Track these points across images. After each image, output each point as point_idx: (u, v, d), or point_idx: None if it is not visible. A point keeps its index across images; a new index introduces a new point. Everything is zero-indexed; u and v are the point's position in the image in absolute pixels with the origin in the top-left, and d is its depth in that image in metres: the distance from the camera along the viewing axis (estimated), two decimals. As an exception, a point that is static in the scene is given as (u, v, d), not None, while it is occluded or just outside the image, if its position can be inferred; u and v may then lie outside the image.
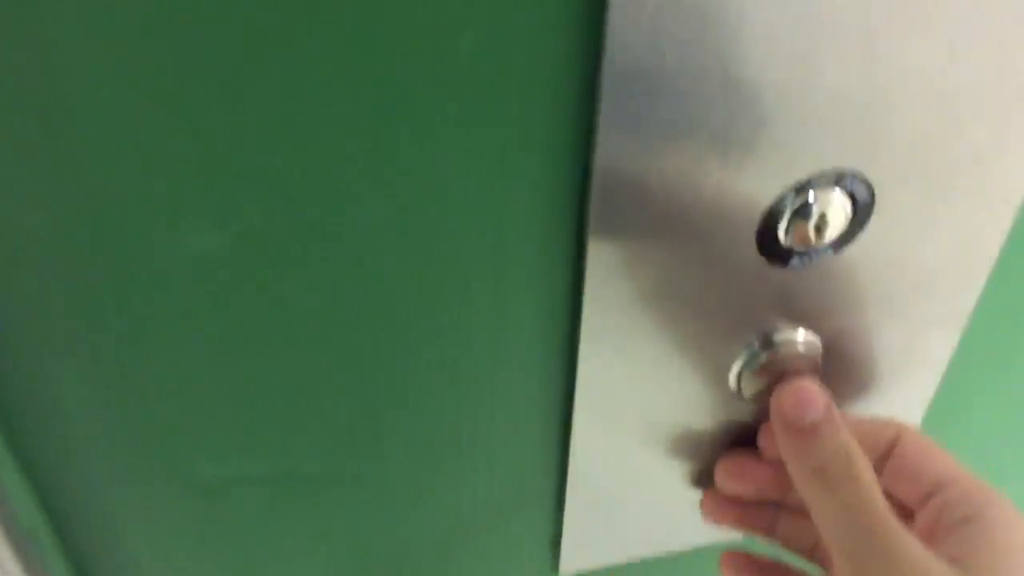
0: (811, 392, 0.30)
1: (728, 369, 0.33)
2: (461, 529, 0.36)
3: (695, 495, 0.37)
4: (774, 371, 0.32)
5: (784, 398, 0.30)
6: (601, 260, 0.28)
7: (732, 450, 0.36)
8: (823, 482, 0.29)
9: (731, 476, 0.35)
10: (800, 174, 0.27)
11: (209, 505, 0.32)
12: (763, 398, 0.32)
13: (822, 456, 0.29)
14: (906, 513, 0.31)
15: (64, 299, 0.25)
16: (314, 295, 0.27)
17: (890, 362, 0.34)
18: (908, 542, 0.27)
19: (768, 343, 0.32)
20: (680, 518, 0.36)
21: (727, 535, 0.40)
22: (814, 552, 0.34)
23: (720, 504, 0.36)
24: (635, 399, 0.33)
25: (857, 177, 0.28)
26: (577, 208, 0.27)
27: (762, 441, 0.35)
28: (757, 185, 0.27)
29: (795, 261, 0.30)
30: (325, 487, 0.32)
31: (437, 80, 0.23)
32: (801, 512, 0.34)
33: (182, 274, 0.25)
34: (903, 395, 0.36)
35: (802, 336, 0.32)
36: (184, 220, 0.24)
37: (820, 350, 0.32)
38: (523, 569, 0.40)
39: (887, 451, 0.32)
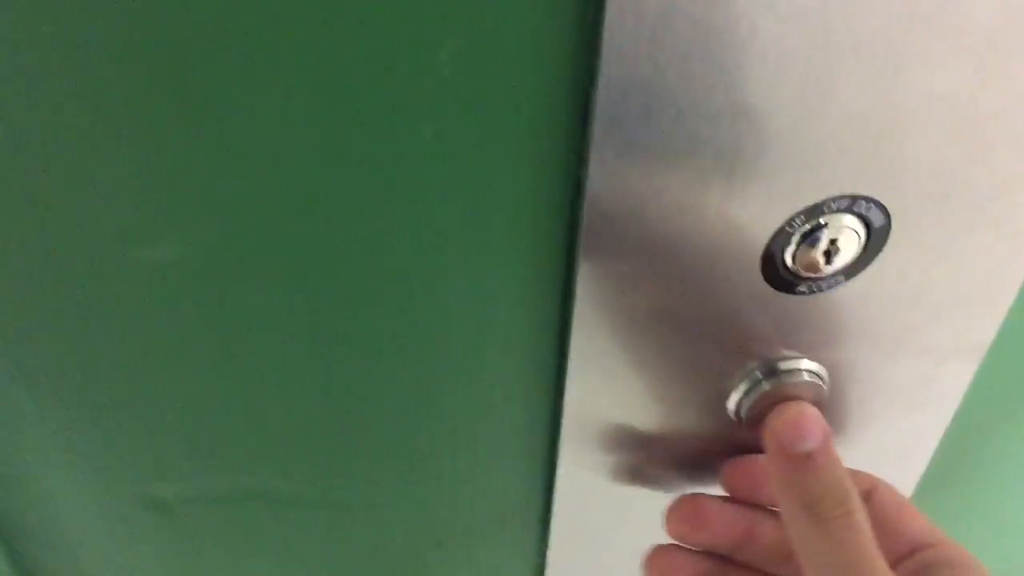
0: (810, 418, 0.29)
1: (726, 398, 0.31)
2: (439, 557, 0.35)
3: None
4: (776, 402, 0.30)
5: (780, 422, 0.29)
6: (592, 285, 0.26)
7: (687, 495, 0.33)
8: (816, 517, 0.27)
9: (686, 520, 0.32)
10: (811, 198, 0.26)
11: (167, 523, 0.31)
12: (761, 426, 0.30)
13: (817, 490, 0.27)
14: None
15: (17, 317, 0.24)
16: (280, 314, 0.25)
17: (900, 396, 0.33)
18: None
19: (771, 372, 0.30)
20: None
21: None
22: None
23: (670, 563, 0.32)
24: (624, 427, 0.31)
25: (872, 202, 0.26)
26: (567, 230, 0.25)
27: (734, 477, 0.32)
28: (763, 209, 0.26)
29: (802, 288, 0.28)
30: (293, 508, 0.31)
31: (413, 94, 0.21)
32: (754, 571, 0.32)
33: (138, 290, 0.24)
34: (913, 431, 0.35)
35: (807, 366, 0.30)
36: (139, 232, 0.22)
37: (826, 381, 0.31)
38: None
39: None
